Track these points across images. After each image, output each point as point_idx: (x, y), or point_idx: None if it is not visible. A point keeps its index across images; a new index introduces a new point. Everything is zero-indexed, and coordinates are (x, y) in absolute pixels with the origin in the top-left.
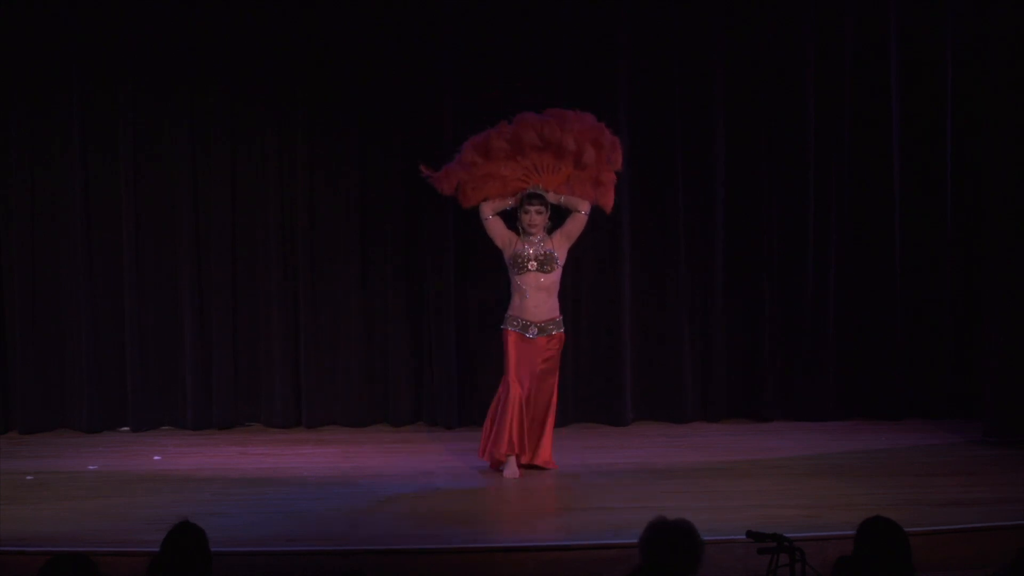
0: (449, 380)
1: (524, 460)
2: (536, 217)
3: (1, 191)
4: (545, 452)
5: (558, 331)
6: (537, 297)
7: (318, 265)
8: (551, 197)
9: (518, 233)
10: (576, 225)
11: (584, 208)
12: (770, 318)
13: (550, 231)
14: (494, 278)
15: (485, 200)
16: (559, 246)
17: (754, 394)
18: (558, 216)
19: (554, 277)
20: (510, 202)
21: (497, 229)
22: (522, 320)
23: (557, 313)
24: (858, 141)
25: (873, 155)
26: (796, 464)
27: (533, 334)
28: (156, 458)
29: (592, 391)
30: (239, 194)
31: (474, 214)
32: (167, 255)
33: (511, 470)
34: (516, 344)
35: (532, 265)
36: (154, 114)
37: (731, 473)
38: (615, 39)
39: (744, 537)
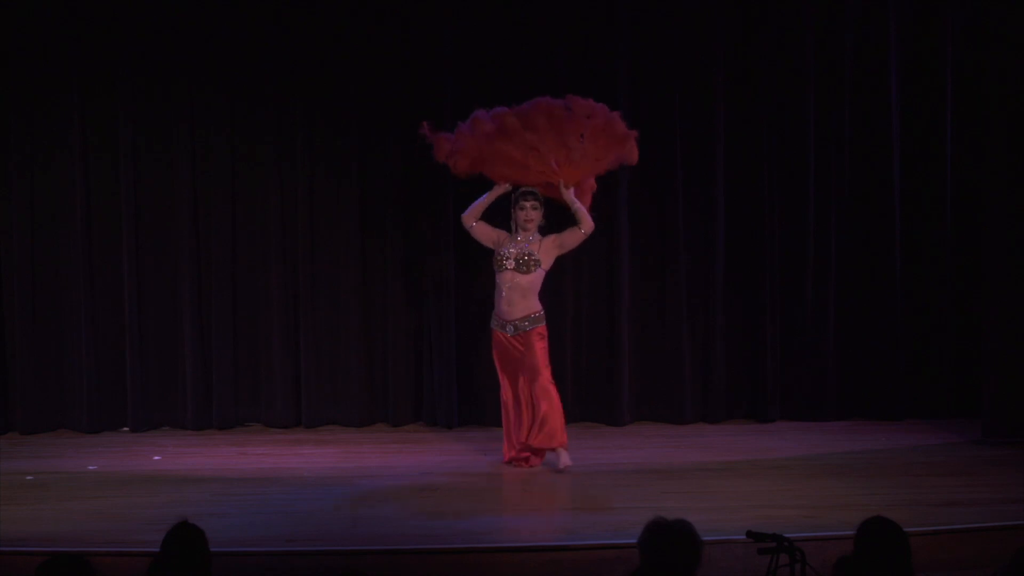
0: (449, 380)
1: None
2: (532, 213)
3: (1, 191)
4: (540, 435)
5: (534, 327)
6: (511, 296)
7: (318, 265)
8: (566, 195)
9: (510, 230)
10: (572, 239)
11: (585, 228)
12: (770, 318)
13: (545, 232)
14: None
15: (495, 183)
16: (547, 252)
17: (754, 394)
18: (553, 215)
19: (531, 278)
20: (497, 194)
21: (483, 233)
22: (499, 319)
23: (534, 310)
24: (858, 142)
25: (873, 155)
26: (796, 464)
27: (511, 332)
28: (156, 458)
29: (591, 391)
30: (239, 194)
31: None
32: (167, 255)
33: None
34: (497, 344)
35: (509, 264)
36: (154, 114)
37: (731, 473)
38: (615, 39)
39: (744, 537)
